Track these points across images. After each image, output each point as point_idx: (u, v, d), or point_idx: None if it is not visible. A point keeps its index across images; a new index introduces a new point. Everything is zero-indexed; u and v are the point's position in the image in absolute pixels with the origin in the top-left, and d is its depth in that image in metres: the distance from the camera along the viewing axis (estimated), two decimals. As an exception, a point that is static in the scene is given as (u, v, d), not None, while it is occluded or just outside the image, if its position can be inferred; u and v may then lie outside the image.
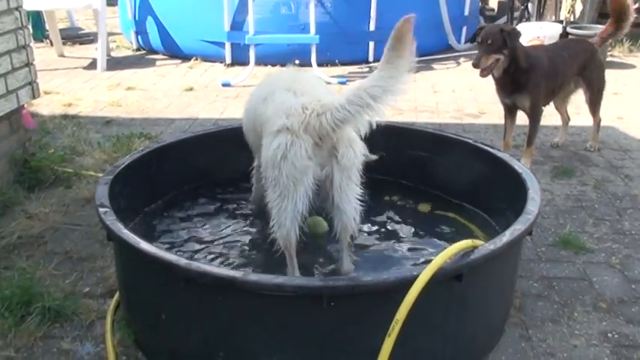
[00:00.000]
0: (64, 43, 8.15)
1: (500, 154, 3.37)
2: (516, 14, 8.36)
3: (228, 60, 7.43)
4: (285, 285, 2.24)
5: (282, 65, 7.08)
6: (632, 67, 7.40)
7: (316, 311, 2.21)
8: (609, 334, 2.78)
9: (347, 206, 2.71)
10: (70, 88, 6.60)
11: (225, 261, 3.07)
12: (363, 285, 2.24)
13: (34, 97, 4.35)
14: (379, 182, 3.58)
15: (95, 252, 3.39)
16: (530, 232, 2.62)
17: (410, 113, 5.69)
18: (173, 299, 2.42)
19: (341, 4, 7.29)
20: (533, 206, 2.70)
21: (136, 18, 8.04)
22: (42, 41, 8.40)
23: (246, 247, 3.20)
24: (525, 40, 7.22)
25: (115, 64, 7.55)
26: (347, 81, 6.68)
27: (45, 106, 5.87)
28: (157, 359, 2.62)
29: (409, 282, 2.16)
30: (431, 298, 2.22)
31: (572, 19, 8.15)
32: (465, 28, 8.24)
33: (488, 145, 3.55)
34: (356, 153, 2.67)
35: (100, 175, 3.70)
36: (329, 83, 6.32)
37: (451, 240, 3.07)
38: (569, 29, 7.34)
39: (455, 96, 6.27)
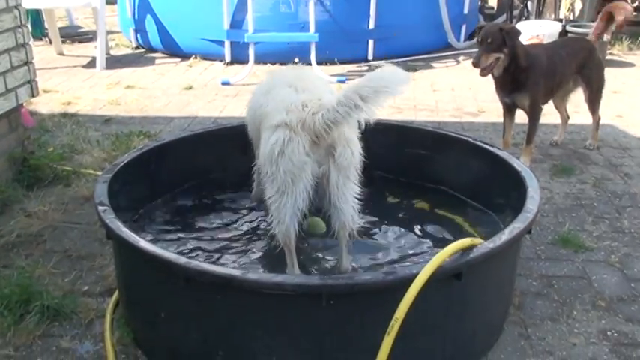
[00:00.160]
0: (63, 42, 8.14)
1: (499, 153, 3.37)
2: (516, 12, 8.36)
3: (228, 58, 7.42)
4: (285, 283, 2.24)
5: (282, 64, 7.12)
6: (631, 65, 7.39)
7: (316, 310, 2.21)
8: (608, 333, 2.78)
9: (344, 205, 2.71)
10: (69, 86, 6.60)
11: (225, 259, 3.06)
12: (363, 283, 2.24)
13: (33, 96, 4.35)
14: (378, 180, 3.60)
15: (94, 250, 3.39)
16: (529, 230, 2.62)
17: (409, 112, 5.69)
18: (172, 298, 2.42)
19: (340, 3, 7.28)
20: (532, 205, 2.70)
21: (136, 16, 8.03)
22: (41, 39, 8.39)
23: (246, 246, 3.19)
24: (524, 39, 7.24)
25: (114, 62, 7.54)
26: (346, 79, 6.67)
27: (44, 105, 5.86)
28: (156, 358, 2.62)
29: (408, 280, 2.16)
30: (430, 296, 2.22)
31: (571, 18, 8.15)
32: (464, 27, 8.24)
33: (487, 144, 3.55)
34: (353, 153, 2.68)
35: (99, 173, 3.70)
36: (332, 82, 6.31)
37: (450, 238, 3.08)
38: (568, 28, 7.34)
39: (454, 94, 6.27)
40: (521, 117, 4.57)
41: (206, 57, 7.60)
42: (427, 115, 5.58)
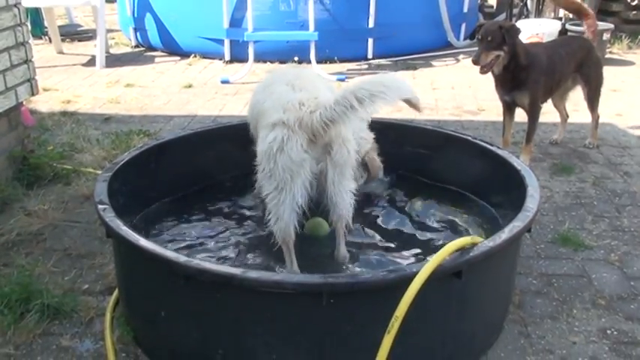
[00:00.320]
0: (62, 40, 8.14)
1: (499, 151, 3.37)
2: (515, 11, 8.36)
3: (227, 57, 7.42)
4: (285, 282, 2.25)
5: (282, 62, 7.15)
6: (631, 63, 7.39)
7: (316, 308, 2.21)
8: (608, 331, 2.78)
9: (340, 200, 2.78)
10: (68, 85, 6.60)
11: (225, 258, 3.06)
12: (363, 282, 2.24)
13: (32, 94, 4.35)
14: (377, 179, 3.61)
15: (94, 249, 3.39)
16: (529, 229, 2.62)
17: (408, 110, 5.60)
18: (172, 296, 2.42)
19: (340, 1, 7.28)
20: (532, 203, 2.70)
21: (135, 15, 8.03)
22: (41, 38, 8.39)
23: (246, 245, 3.19)
24: (524, 37, 7.24)
25: (113, 61, 7.54)
26: (346, 78, 6.67)
27: (44, 103, 5.86)
28: (156, 356, 2.62)
29: (408, 279, 2.16)
30: (430, 295, 2.22)
31: (571, 16, 8.13)
32: (464, 25, 8.24)
33: (487, 142, 3.55)
34: (349, 151, 2.74)
35: (99, 172, 3.70)
36: (332, 81, 6.31)
37: (450, 237, 3.08)
38: (568, 26, 7.34)
39: (454, 93, 6.27)
40: (520, 115, 4.57)
41: (206, 55, 7.60)
42: (427, 114, 5.57)
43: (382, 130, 3.54)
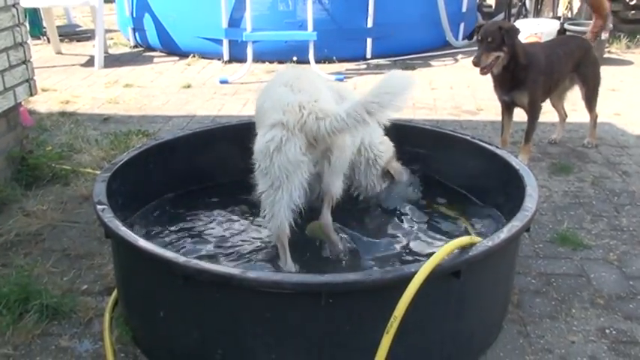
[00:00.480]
0: (61, 40, 8.14)
1: (498, 151, 3.37)
2: (514, 11, 8.36)
3: (226, 57, 7.42)
4: (284, 282, 2.24)
5: (280, 62, 7.15)
6: (629, 63, 7.40)
7: (315, 308, 2.21)
8: (607, 330, 2.78)
9: (333, 187, 2.86)
10: (67, 85, 6.60)
11: (224, 258, 3.06)
12: (361, 282, 2.24)
13: (31, 95, 4.35)
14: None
15: (93, 249, 3.39)
16: (527, 228, 2.62)
17: (407, 110, 5.68)
18: (171, 296, 2.42)
19: (338, 1, 7.28)
20: (530, 203, 2.70)
21: (134, 15, 8.03)
22: (39, 38, 8.39)
23: (245, 245, 3.19)
24: (523, 37, 7.25)
25: (112, 61, 7.54)
26: (344, 78, 6.67)
27: (42, 104, 5.86)
28: (155, 357, 2.62)
29: (407, 279, 2.16)
30: (429, 294, 2.22)
31: (569, 16, 8.14)
32: (462, 25, 8.25)
33: (485, 142, 3.55)
34: (347, 156, 2.83)
35: (98, 172, 3.69)
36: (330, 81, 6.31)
37: (449, 237, 3.08)
38: (566, 26, 7.34)
39: (453, 93, 6.27)
40: (519, 115, 4.57)
41: (204, 55, 7.60)
42: (426, 114, 5.58)
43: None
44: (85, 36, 8.66)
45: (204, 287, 2.30)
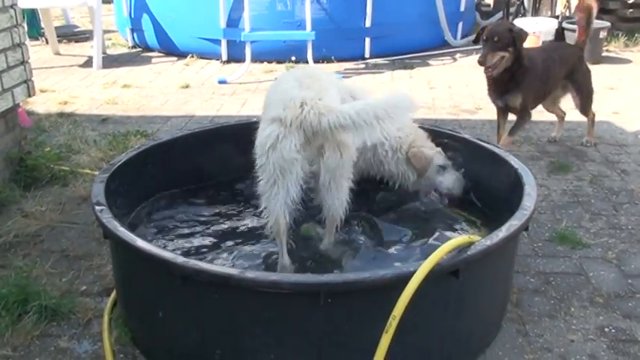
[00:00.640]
0: (59, 41, 8.14)
1: (496, 150, 3.37)
2: (512, 10, 8.36)
3: (224, 57, 7.42)
4: (282, 282, 2.24)
5: (279, 62, 7.15)
6: (628, 61, 7.40)
7: (313, 308, 2.21)
8: (606, 329, 2.79)
9: (332, 201, 2.80)
10: (65, 86, 6.59)
11: (223, 258, 3.06)
12: (360, 282, 2.24)
13: (29, 96, 4.34)
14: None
15: (92, 250, 3.39)
16: (526, 227, 2.62)
17: (406, 109, 5.67)
18: (170, 297, 2.42)
19: (337, 1, 7.28)
20: (529, 202, 2.70)
21: (132, 15, 8.02)
22: (37, 39, 8.38)
23: (244, 245, 3.19)
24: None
25: (110, 61, 7.54)
26: (343, 77, 6.67)
27: (41, 105, 5.86)
28: (154, 357, 2.62)
29: (406, 278, 2.17)
30: (428, 294, 2.22)
31: (567, 15, 8.14)
32: (460, 24, 8.25)
33: (484, 141, 3.55)
34: (342, 157, 2.73)
35: (96, 173, 3.69)
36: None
37: (447, 236, 3.08)
38: (564, 24, 7.35)
39: (451, 92, 6.27)
40: (517, 114, 4.56)
41: (203, 56, 7.60)
42: (424, 113, 5.57)
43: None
44: (83, 37, 8.66)
45: (203, 287, 2.30)
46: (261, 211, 2.79)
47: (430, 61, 7.49)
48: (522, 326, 2.81)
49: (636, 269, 3.23)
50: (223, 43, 7.37)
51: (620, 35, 7.96)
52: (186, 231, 3.32)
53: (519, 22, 7.44)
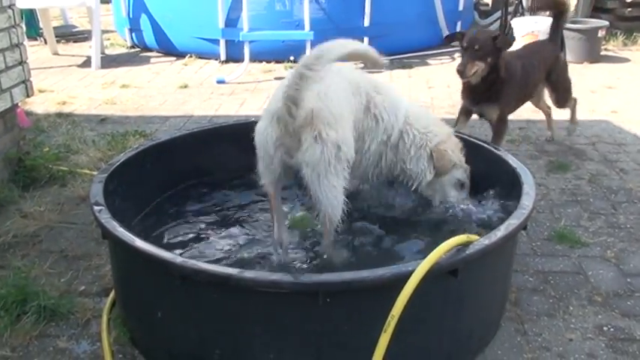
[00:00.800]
0: (57, 41, 8.13)
1: (495, 149, 3.37)
2: (510, 9, 8.35)
3: (223, 57, 7.42)
4: (281, 282, 2.24)
5: (277, 62, 7.14)
6: (626, 60, 7.41)
7: (312, 308, 2.21)
8: (605, 328, 2.79)
9: (321, 198, 2.72)
10: (64, 86, 6.59)
11: (221, 259, 3.06)
12: (359, 281, 2.23)
13: (28, 96, 4.34)
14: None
15: (90, 250, 3.39)
16: (525, 226, 2.62)
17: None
18: (168, 297, 2.42)
19: (335, 0, 7.28)
20: (527, 201, 2.70)
21: (130, 15, 8.02)
22: (36, 39, 8.38)
23: (243, 245, 3.19)
24: (519, 35, 7.26)
25: (109, 61, 7.53)
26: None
27: (39, 105, 5.86)
28: (153, 357, 2.62)
29: (405, 277, 2.17)
30: (426, 293, 2.22)
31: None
32: (459, 23, 8.25)
33: (482, 140, 3.55)
34: (324, 150, 2.65)
35: (95, 173, 3.69)
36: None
37: (445, 235, 3.07)
38: (563, 23, 7.34)
39: (450, 91, 6.26)
40: (516, 113, 4.53)
41: (201, 55, 7.60)
42: (423, 112, 5.57)
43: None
44: (82, 37, 8.65)
45: (202, 287, 2.30)
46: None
47: (429, 61, 7.49)
48: (521, 325, 2.81)
49: (635, 268, 3.23)
50: (222, 42, 7.36)
51: (618, 34, 7.97)
52: (186, 231, 3.32)
53: (518, 21, 7.46)
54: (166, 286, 2.38)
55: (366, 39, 7.42)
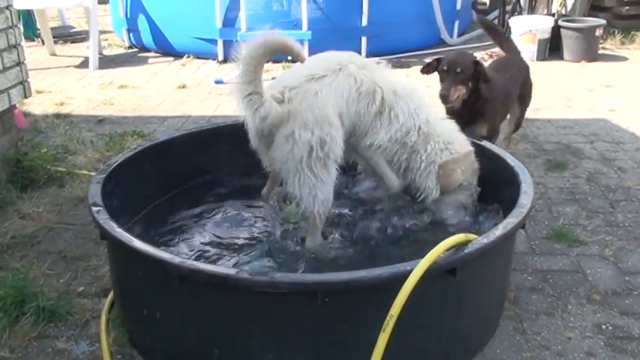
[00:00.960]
0: (55, 42, 8.12)
1: (493, 148, 3.37)
2: (508, 8, 8.37)
3: (221, 57, 7.41)
4: (279, 282, 2.24)
5: (275, 61, 7.13)
6: (624, 59, 7.41)
7: (311, 308, 2.21)
8: (603, 326, 2.79)
9: (296, 193, 2.80)
10: (62, 86, 6.58)
11: (220, 259, 3.06)
12: (357, 281, 2.24)
13: (25, 97, 4.34)
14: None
15: (89, 251, 3.39)
16: (523, 225, 2.63)
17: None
18: (167, 297, 2.42)
19: (333, 0, 7.27)
20: (526, 200, 2.70)
21: (128, 16, 8.01)
22: (33, 40, 8.36)
23: (241, 245, 3.19)
24: (517, 34, 7.26)
25: (107, 62, 7.53)
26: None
27: (37, 106, 5.85)
28: (152, 358, 2.62)
29: (403, 277, 2.17)
30: (425, 292, 2.22)
31: (563, 12, 8.15)
32: (457, 23, 8.24)
33: (481, 140, 3.55)
34: (292, 151, 2.69)
35: (93, 174, 3.69)
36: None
37: (444, 234, 3.07)
38: (560, 22, 7.35)
39: (448, 90, 6.25)
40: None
41: (199, 56, 7.59)
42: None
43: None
44: (80, 37, 8.63)
45: (200, 288, 2.30)
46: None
47: (427, 60, 7.44)
48: (520, 324, 2.81)
49: (633, 266, 3.24)
50: (219, 42, 7.36)
51: (616, 33, 7.97)
52: (184, 231, 3.32)
53: (516, 20, 7.46)
54: (165, 287, 2.38)
55: (364, 39, 7.44)
